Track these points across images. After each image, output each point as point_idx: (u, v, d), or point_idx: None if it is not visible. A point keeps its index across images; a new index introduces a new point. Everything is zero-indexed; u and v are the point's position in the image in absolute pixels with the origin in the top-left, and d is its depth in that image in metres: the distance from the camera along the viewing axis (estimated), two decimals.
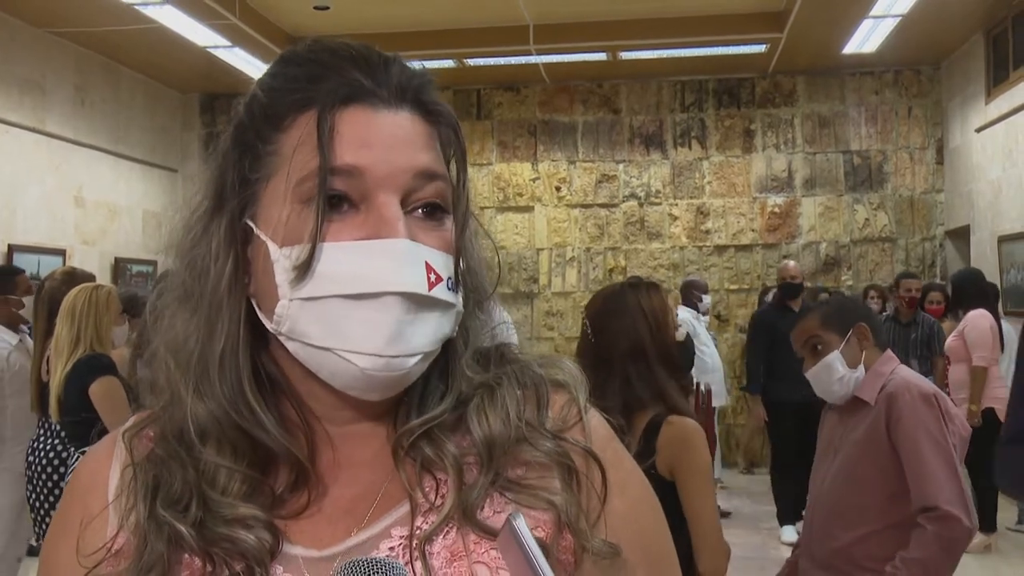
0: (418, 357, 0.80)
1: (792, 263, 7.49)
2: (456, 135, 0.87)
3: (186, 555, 0.82)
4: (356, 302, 0.78)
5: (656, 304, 2.63)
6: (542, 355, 0.94)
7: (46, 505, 4.63)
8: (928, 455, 2.53)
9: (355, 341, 0.79)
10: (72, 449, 4.33)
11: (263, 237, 0.82)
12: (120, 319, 4.55)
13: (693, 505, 2.37)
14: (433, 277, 0.80)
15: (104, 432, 1.00)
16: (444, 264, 0.82)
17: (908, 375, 2.73)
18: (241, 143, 0.85)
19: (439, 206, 0.84)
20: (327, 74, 0.82)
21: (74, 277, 4.78)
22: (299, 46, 0.87)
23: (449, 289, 0.82)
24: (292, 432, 0.86)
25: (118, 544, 0.84)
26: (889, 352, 2.81)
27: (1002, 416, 6.36)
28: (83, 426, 4.20)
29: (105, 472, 0.90)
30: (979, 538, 6.45)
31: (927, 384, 2.68)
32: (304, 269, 0.79)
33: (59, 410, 4.23)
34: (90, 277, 4.93)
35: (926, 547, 2.47)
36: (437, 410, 0.85)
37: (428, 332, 0.81)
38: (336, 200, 0.80)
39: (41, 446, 4.66)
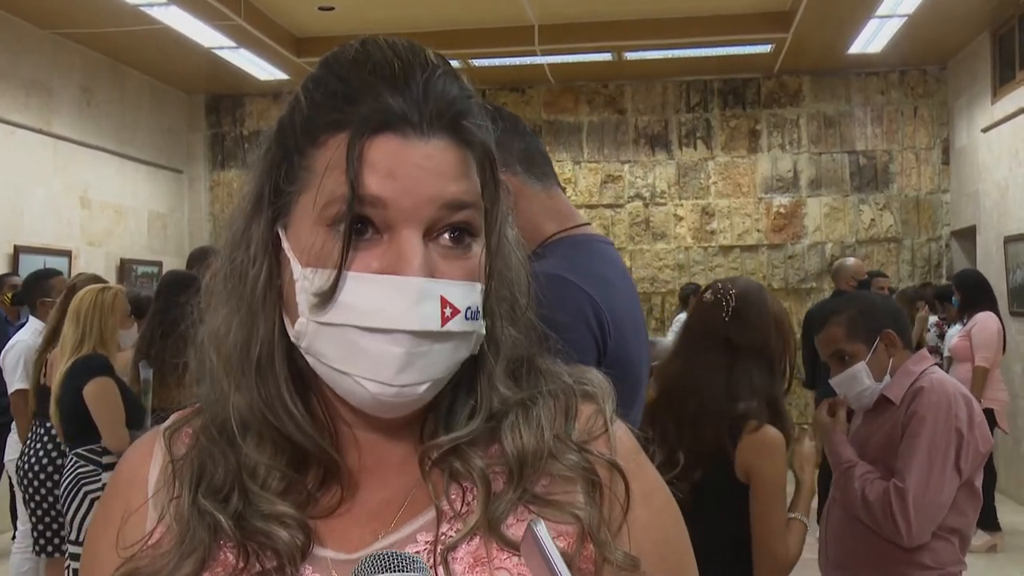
0: (427, 384, 0.82)
1: (855, 260, 7.46)
2: (489, 163, 0.87)
3: (221, 552, 0.84)
4: (370, 333, 0.80)
5: (783, 314, 2.65)
6: (571, 365, 0.95)
7: (40, 510, 4.64)
8: (923, 450, 2.50)
9: (367, 369, 0.81)
10: (67, 450, 4.29)
11: (289, 253, 0.84)
12: (127, 321, 4.54)
13: (759, 512, 2.44)
14: (448, 311, 0.81)
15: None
16: (463, 295, 0.83)
17: (943, 376, 2.66)
18: (282, 147, 0.86)
19: (466, 230, 0.84)
20: (363, 96, 0.82)
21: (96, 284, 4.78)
22: (347, 49, 0.87)
23: (468, 319, 0.83)
24: (319, 432, 0.88)
25: (155, 537, 0.86)
26: (923, 352, 2.73)
27: (999, 419, 6.48)
28: (77, 425, 4.17)
29: (146, 467, 0.92)
30: (983, 538, 6.44)
31: (962, 388, 2.61)
32: (326, 298, 0.81)
33: (57, 410, 4.22)
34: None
35: (875, 498, 2.51)
36: (466, 429, 0.87)
37: (440, 362, 0.82)
38: (361, 225, 0.81)
39: (32, 448, 4.66)
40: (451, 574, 0.81)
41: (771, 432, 2.45)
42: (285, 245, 0.85)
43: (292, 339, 0.85)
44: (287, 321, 0.86)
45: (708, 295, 2.60)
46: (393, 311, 0.80)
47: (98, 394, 4.13)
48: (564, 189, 1.88)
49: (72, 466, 4.20)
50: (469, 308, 0.83)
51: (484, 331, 0.86)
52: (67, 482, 4.19)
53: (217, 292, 0.90)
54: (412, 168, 0.81)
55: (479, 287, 0.85)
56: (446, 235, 0.83)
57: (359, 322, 0.80)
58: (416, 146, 0.82)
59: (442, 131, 0.83)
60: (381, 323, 0.80)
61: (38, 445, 4.66)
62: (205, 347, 0.89)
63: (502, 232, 0.90)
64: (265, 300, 0.86)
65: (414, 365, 0.81)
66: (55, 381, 4.22)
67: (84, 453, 4.20)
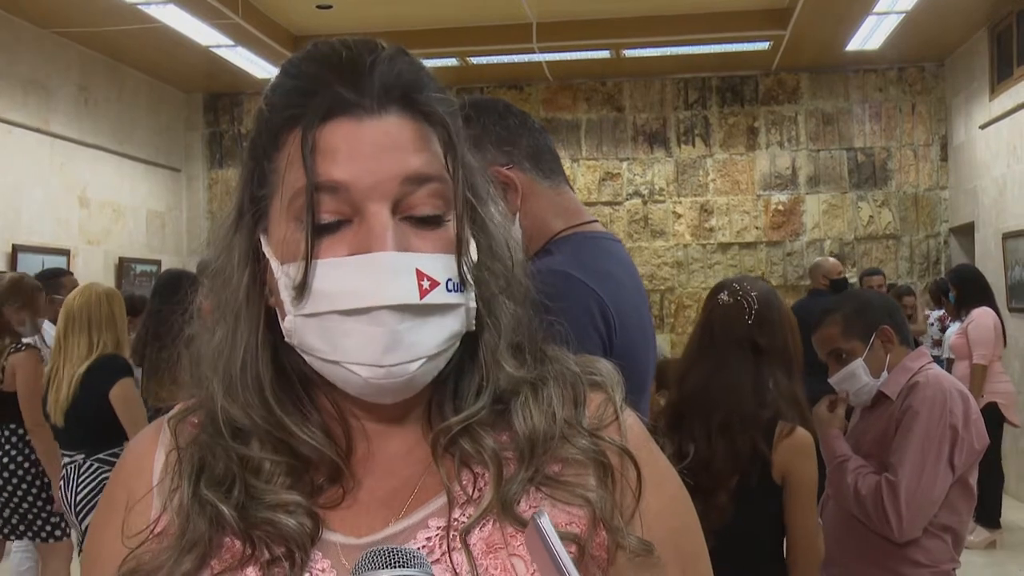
0: (421, 361, 0.81)
1: (831, 260, 7.50)
2: (447, 131, 0.86)
3: (227, 539, 0.84)
4: (351, 317, 0.80)
5: (790, 311, 2.65)
6: (579, 354, 0.95)
7: (26, 502, 4.63)
8: (916, 444, 2.50)
9: (355, 353, 0.81)
10: (83, 457, 4.21)
11: (268, 254, 0.85)
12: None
13: (796, 513, 2.46)
14: (427, 283, 0.81)
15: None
16: (441, 267, 0.82)
17: (940, 373, 2.66)
18: (253, 157, 0.88)
19: (434, 214, 0.84)
20: (314, 88, 0.83)
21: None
22: (298, 53, 0.88)
23: (450, 290, 0.82)
24: (330, 425, 0.89)
25: (161, 525, 0.86)
26: (921, 349, 2.73)
27: (1005, 411, 6.47)
28: (96, 430, 4.10)
29: (151, 457, 0.92)
30: (983, 535, 6.44)
31: (959, 384, 2.61)
32: (301, 288, 0.81)
33: (65, 414, 4.12)
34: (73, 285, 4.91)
35: (868, 491, 2.52)
36: (475, 407, 0.86)
37: (429, 336, 0.82)
38: (329, 217, 0.81)
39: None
40: (472, 560, 0.80)
41: (803, 434, 2.46)
42: (265, 248, 0.85)
43: (286, 339, 0.85)
44: (282, 324, 0.86)
45: (724, 297, 2.57)
46: (367, 289, 0.79)
47: (124, 396, 4.09)
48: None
49: (92, 472, 4.12)
50: (450, 280, 0.83)
51: (474, 303, 0.86)
52: (87, 488, 4.11)
53: (207, 304, 0.91)
54: (369, 147, 0.81)
55: (454, 259, 0.84)
56: (415, 215, 0.83)
57: (336, 307, 0.80)
58: (370, 125, 0.82)
59: (394, 106, 0.83)
60: (357, 303, 0.79)
61: (8, 447, 4.65)
62: (196, 355, 0.90)
63: (479, 201, 0.89)
64: (247, 307, 0.87)
65: (401, 343, 0.80)
66: (65, 385, 4.11)
67: (107, 458, 4.12)
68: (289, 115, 0.83)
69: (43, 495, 4.63)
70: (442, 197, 0.84)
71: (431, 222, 0.83)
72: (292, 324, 0.83)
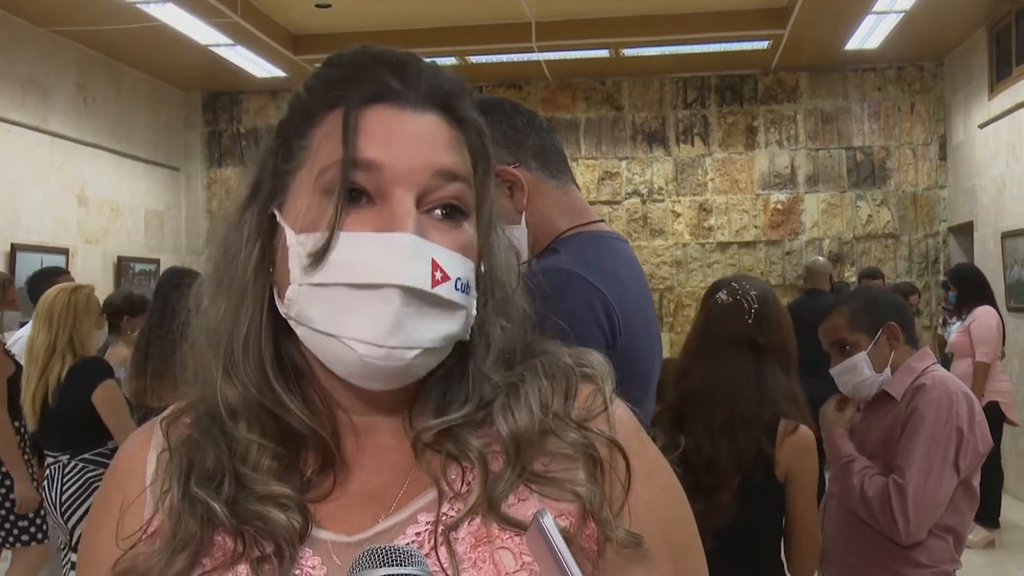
0: (418, 351, 0.82)
1: (823, 260, 7.62)
2: (482, 142, 0.89)
3: (218, 537, 0.84)
4: (360, 291, 0.81)
5: (786, 309, 2.65)
6: (571, 347, 0.95)
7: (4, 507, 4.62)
8: (922, 447, 2.50)
9: (356, 329, 0.81)
10: (68, 457, 4.20)
11: (283, 224, 0.85)
12: (99, 322, 4.48)
13: (800, 507, 2.48)
14: (439, 275, 0.81)
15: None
16: (455, 264, 0.83)
17: (945, 374, 2.66)
18: (280, 137, 0.89)
19: (458, 208, 0.85)
20: (361, 76, 0.86)
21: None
22: (347, 50, 0.91)
23: (458, 290, 0.83)
24: (317, 418, 0.89)
25: (153, 526, 0.87)
26: (925, 350, 2.73)
27: (1006, 410, 6.48)
28: (79, 431, 4.09)
29: (143, 457, 0.92)
30: (982, 534, 6.44)
31: (963, 386, 2.62)
32: (319, 257, 0.81)
33: (42, 417, 4.10)
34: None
35: (874, 493, 2.53)
36: (457, 414, 0.87)
37: (431, 328, 0.82)
38: (355, 194, 0.83)
39: None
40: (453, 555, 0.81)
41: (806, 432, 2.47)
42: (280, 220, 0.86)
43: (282, 313, 0.86)
44: (278, 299, 0.86)
45: (723, 296, 2.57)
46: (383, 266, 0.80)
47: (107, 399, 4.10)
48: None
49: (79, 472, 4.12)
50: (459, 279, 0.83)
51: (475, 311, 0.87)
52: (74, 488, 4.11)
53: (209, 279, 0.91)
54: (407, 135, 0.84)
55: (471, 264, 0.86)
56: (438, 211, 0.85)
57: (349, 279, 0.81)
58: (410, 117, 0.85)
59: (435, 108, 0.86)
60: (371, 278, 0.80)
61: None
62: (197, 337, 0.90)
63: (493, 218, 0.91)
64: (254, 281, 0.87)
65: (404, 327, 0.80)
66: (38, 387, 4.09)
67: (93, 458, 4.12)
68: (332, 96, 0.86)
69: (11, 496, 4.60)
70: (464, 199, 0.86)
71: (451, 218, 0.85)
72: (295, 293, 0.83)
